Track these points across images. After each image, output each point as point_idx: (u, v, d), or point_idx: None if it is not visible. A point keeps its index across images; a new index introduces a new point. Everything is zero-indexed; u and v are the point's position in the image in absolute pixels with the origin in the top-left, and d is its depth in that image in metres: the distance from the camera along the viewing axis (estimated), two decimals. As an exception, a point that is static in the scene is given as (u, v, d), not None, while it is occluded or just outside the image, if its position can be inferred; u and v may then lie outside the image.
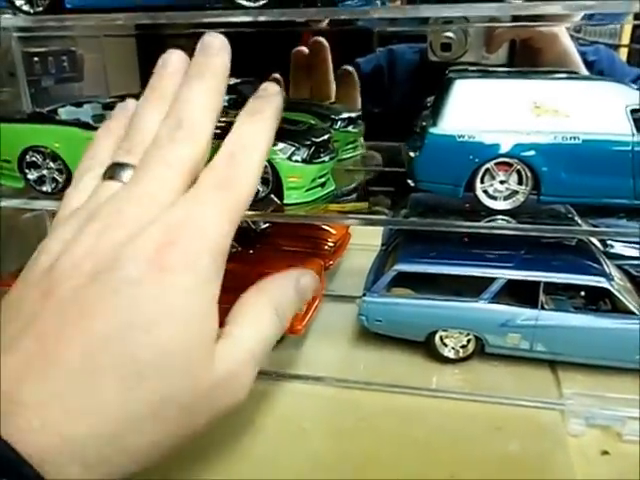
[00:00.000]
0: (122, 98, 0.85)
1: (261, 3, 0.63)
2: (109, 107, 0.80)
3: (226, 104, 0.92)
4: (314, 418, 0.70)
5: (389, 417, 0.70)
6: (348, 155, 0.94)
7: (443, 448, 0.64)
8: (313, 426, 0.69)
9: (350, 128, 0.93)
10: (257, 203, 0.74)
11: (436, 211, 0.74)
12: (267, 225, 1.02)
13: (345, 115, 0.92)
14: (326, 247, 0.99)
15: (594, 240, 0.86)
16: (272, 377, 0.77)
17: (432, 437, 0.66)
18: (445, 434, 0.66)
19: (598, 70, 1.40)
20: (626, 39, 2.75)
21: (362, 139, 1.04)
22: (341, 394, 0.74)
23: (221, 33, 0.53)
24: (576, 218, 0.76)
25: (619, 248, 0.88)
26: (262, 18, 0.72)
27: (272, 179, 0.71)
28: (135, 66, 2.37)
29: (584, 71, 1.19)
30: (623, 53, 2.81)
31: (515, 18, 1.10)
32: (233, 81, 0.98)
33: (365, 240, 1.12)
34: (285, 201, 0.72)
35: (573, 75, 0.67)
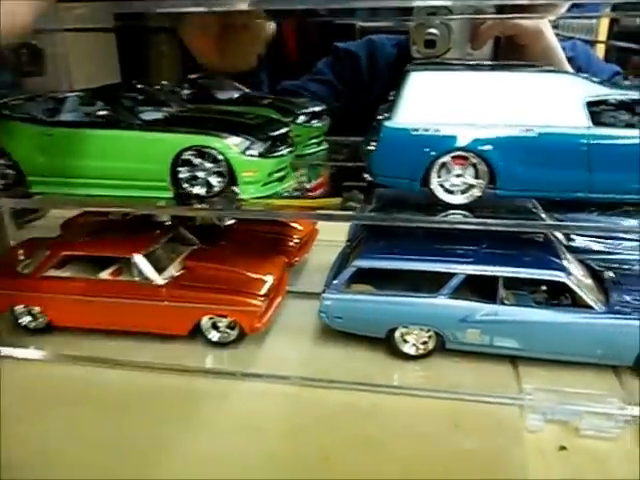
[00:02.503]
0: (83, 92, 0.83)
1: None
2: (61, 101, 0.78)
3: (185, 98, 0.91)
4: (273, 417, 0.69)
5: (348, 415, 0.69)
6: (312, 150, 0.93)
7: (399, 446, 0.63)
8: (271, 425, 0.67)
9: (314, 123, 0.92)
10: (215, 197, 0.73)
11: (400, 206, 0.74)
12: (233, 221, 1.01)
13: (308, 110, 0.91)
14: (291, 243, 0.98)
15: (558, 234, 0.85)
16: (233, 376, 0.75)
17: (389, 435, 0.65)
18: (403, 431, 0.65)
19: (576, 67, 1.39)
20: (603, 35, 2.76)
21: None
22: (302, 392, 0.73)
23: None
24: (540, 212, 0.75)
25: (583, 242, 0.88)
26: (217, 9, 0.71)
27: (227, 173, 0.69)
28: (114, 61, 2.33)
29: (567, 67, 1.18)
30: (600, 49, 2.83)
31: (499, 10, 1.09)
32: (194, 76, 0.96)
33: (335, 236, 1.11)
34: (241, 196, 0.71)
35: (529, 67, 0.66)
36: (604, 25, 2.83)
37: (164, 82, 0.95)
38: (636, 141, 0.61)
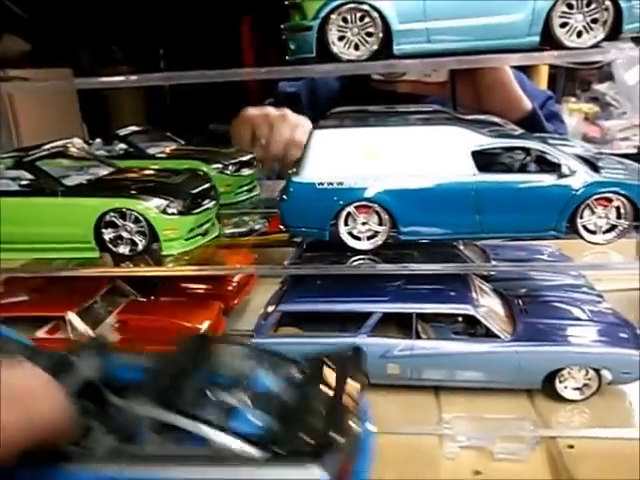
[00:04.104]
0: (26, 150, 0.85)
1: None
2: None
3: (117, 154, 0.95)
4: None
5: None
6: (243, 197, 0.98)
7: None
8: None
9: (243, 172, 0.97)
10: (139, 255, 0.76)
11: (328, 246, 0.78)
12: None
13: (236, 159, 0.96)
14: (230, 287, 1.01)
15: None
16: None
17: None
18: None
19: None
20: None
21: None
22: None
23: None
24: (460, 247, 0.81)
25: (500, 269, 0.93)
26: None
27: (149, 232, 0.73)
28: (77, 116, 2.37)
29: (517, 86, 1.26)
30: (544, 70, 2.94)
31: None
32: (125, 132, 1.00)
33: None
34: (164, 252, 0.74)
35: (421, 119, 0.72)
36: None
37: (97, 140, 0.99)
38: (519, 185, 0.67)
